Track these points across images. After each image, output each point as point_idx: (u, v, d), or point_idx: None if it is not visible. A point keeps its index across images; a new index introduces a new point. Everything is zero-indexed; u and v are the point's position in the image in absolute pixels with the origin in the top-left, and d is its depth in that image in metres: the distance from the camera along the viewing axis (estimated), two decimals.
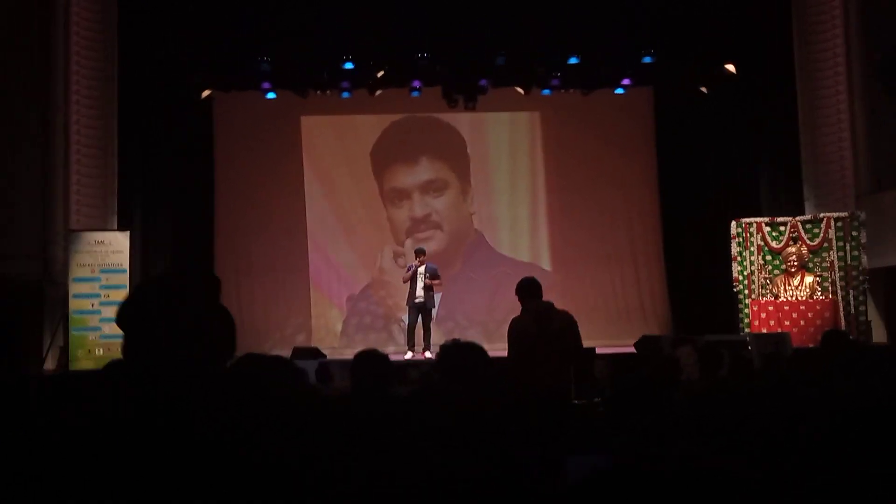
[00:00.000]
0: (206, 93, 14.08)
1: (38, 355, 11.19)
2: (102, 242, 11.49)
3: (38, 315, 11.33)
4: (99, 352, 11.10)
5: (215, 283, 2.02)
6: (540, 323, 6.24)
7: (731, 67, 13.65)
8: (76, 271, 11.36)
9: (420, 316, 12.54)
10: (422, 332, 12.55)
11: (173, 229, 13.54)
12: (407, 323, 12.82)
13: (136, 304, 2.13)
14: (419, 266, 12.55)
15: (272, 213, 14.67)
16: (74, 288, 11.35)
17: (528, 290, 6.59)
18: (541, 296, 6.57)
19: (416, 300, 12.47)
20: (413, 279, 12.54)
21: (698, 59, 13.72)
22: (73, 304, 11.30)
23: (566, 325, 6.38)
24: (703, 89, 14.39)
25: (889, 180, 11.94)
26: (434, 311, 13.00)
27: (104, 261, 11.40)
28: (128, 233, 11.80)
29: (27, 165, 11.53)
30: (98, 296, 11.33)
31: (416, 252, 12.92)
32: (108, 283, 11.33)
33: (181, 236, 13.63)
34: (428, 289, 12.48)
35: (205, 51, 12.98)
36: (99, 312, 11.28)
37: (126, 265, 11.49)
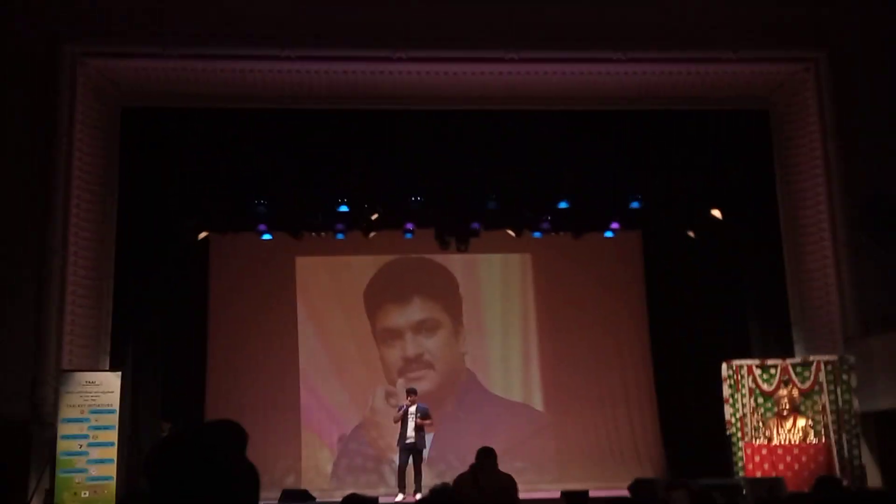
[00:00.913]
0: (202, 235, 14.31)
1: (22, 497, 10.97)
2: (93, 383, 11.40)
3: (24, 456, 11.15)
4: (85, 494, 10.86)
5: (243, 436, 2.06)
6: (479, 480, 7.13)
7: (717, 213, 13.98)
8: (65, 412, 11.22)
9: (411, 457, 12.46)
10: (413, 473, 12.43)
11: (165, 370, 13.50)
12: (398, 464, 12.71)
13: (165, 453, 2.18)
14: (410, 406, 12.55)
15: (265, 352, 14.69)
16: (63, 429, 11.17)
17: (482, 454, 7.55)
18: (491, 458, 7.44)
19: (408, 441, 12.42)
20: (404, 419, 12.51)
21: (685, 205, 14.06)
22: (61, 445, 11.10)
23: (504, 485, 7.32)
24: (691, 234, 14.68)
25: (876, 324, 12.06)
26: (425, 452, 12.92)
27: (94, 401, 11.27)
28: (119, 373, 11.73)
29: (21, 304, 11.58)
30: (87, 437, 11.17)
31: (407, 392, 12.94)
32: (98, 424, 11.20)
33: (173, 376, 13.58)
34: (419, 429, 12.45)
35: (201, 194, 13.23)
36: (87, 454, 11.10)
37: (116, 406, 11.38)
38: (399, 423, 12.58)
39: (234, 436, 2.21)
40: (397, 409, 12.95)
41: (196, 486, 2.06)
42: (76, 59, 12.17)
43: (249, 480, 2.17)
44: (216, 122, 12.84)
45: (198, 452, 2.12)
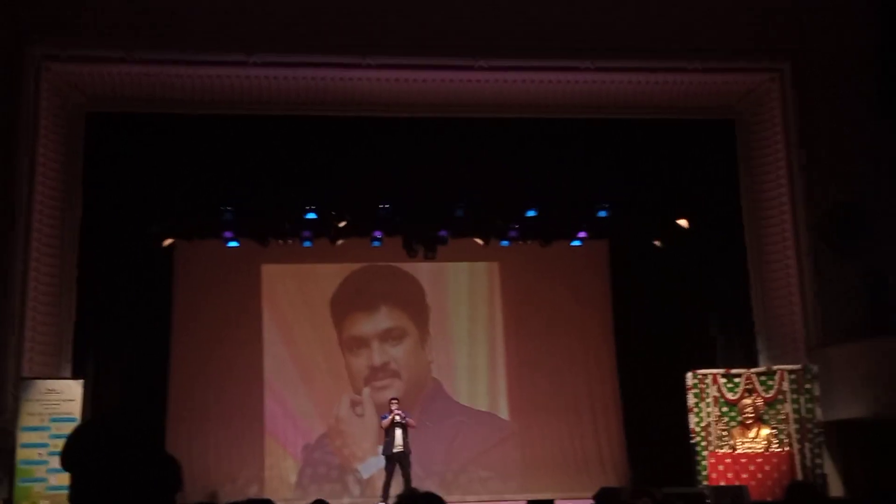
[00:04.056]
0: (167, 241, 14.17)
1: None
2: (54, 391, 11.25)
3: None
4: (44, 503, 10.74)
5: (152, 426, 2.02)
6: None
7: (683, 223, 14.06)
8: (25, 420, 11.06)
9: (399, 465, 12.44)
10: (389, 481, 12.39)
11: (127, 377, 13.30)
12: (386, 474, 12.61)
13: (83, 443, 2.14)
14: (399, 413, 12.52)
15: (230, 360, 14.56)
16: (23, 437, 11.01)
17: None
18: None
19: (396, 449, 12.40)
20: (391, 427, 12.47)
21: (652, 214, 14.13)
22: (21, 453, 10.94)
23: None
24: (657, 243, 14.75)
25: (837, 334, 12.18)
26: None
27: (55, 410, 11.12)
28: (81, 381, 11.58)
29: None
30: (47, 445, 11.00)
31: (390, 400, 12.89)
32: (58, 433, 11.01)
33: (135, 384, 13.37)
34: (405, 436, 12.45)
35: (166, 200, 13.09)
36: (47, 463, 10.94)
37: (77, 414, 11.23)
38: (386, 429, 12.55)
39: (146, 425, 2.18)
40: (382, 417, 12.86)
41: (116, 473, 2.02)
42: (41, 63, 12.01)
43: (170, 466, 2.13)
44: (182, 128, 12.72)
45: (116, 441, 2.08)
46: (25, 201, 11.74)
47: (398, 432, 12.43)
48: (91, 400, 12.09)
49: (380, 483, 13.87)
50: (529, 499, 10.90)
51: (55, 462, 10.85)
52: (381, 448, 12.88)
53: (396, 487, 12.59)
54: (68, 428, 10.99)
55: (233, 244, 14.19)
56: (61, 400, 11.21)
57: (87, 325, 12.49)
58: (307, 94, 12.78)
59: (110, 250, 12.97)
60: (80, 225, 12.39)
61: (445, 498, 4.37)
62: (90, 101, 12.60)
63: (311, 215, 13.60)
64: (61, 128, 12.36)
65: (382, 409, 14.25)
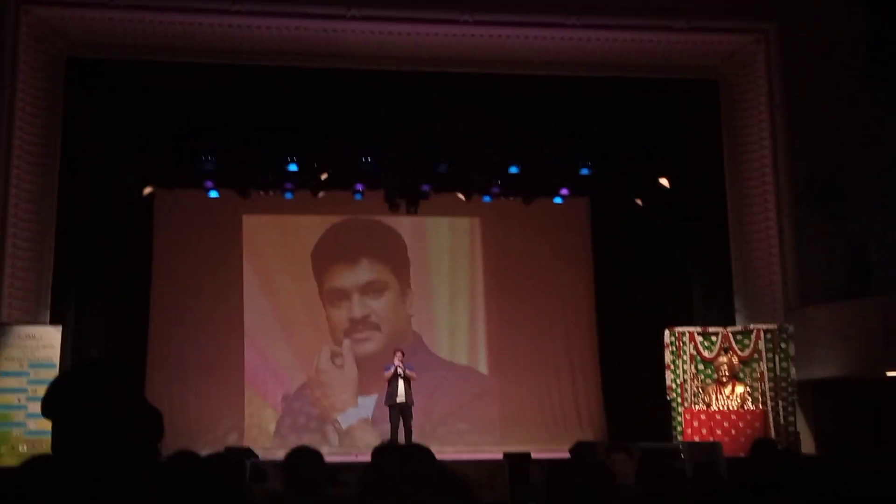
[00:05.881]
0: (147, 190, 14.07)
1: None
2: (33, 337, 11.24)
3: None
4: (23, 448, 10.73)
5: (130, 375, 2.04)
6: None
7: (664, 181, 14.10)
8: (3, 365, 11.04)
9: (402, 417, 12.48)
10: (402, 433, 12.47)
11: (107, 325, 13.30)
12: (391, 425, 12.64)
13: (65, 391, 2.15)
14: (401, 365, 12.56)
15: (210, 310, 14.55)
16: (1, 382, 11.01)
17: None
18: None
19: (399, 400, 12.42)
20: (394, 379, 12.52)
21: (634, 173, 14.16)
22: None
23: None
24: (639, 202, 14.79)
25: (815, 295, 12.31)
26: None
27: (34, 355, 11.12)
28: (59, 327, 11.57)
29: None
30: (25, 391, 11.02)
31: (396, 351, 12.91)
32: (37, 378, 11.03)
33: (114, 332, 13.38)
34: (408, 386, 12.49)
35: (148, 148, 13.01)
36: (25, 408, 10.95)
37: (56, 360, 11.22)
38: (389, 381, 12.59)
39: (128, 374, 2.19)
40: (385, 368, 12.87)
41: (98, 422, 2.03)
42: (20, 6, 11.85)
43: (152, 416, 2.14)
44: (164, 76, 12.58)
45: (98, 389, 2.09)
46: (4, 147, 11.65)
47: (401, 383, 12.51)
48: (70, 347, 12.09)
49: (358, 434, 14.02)
50: (507, 451, 11.01)
51: (34, 407, 10.89)
52: (382, 398, 12.96)
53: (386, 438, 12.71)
54: (47, 374, 11.04)
55: (213, 194, 14.12)
56: (40, 346, 11.20)
57: (67, 272, 12.44)
58: (291, 44, 12.67)
59: (90, 197, 12.89)
60: (59, 171, 12.29)
61: None
62: (71, 46, 12.45)
63: (293, 167, 13.53)
64: (41, 73, 12.22)
65: (362, 361, 14.40)
